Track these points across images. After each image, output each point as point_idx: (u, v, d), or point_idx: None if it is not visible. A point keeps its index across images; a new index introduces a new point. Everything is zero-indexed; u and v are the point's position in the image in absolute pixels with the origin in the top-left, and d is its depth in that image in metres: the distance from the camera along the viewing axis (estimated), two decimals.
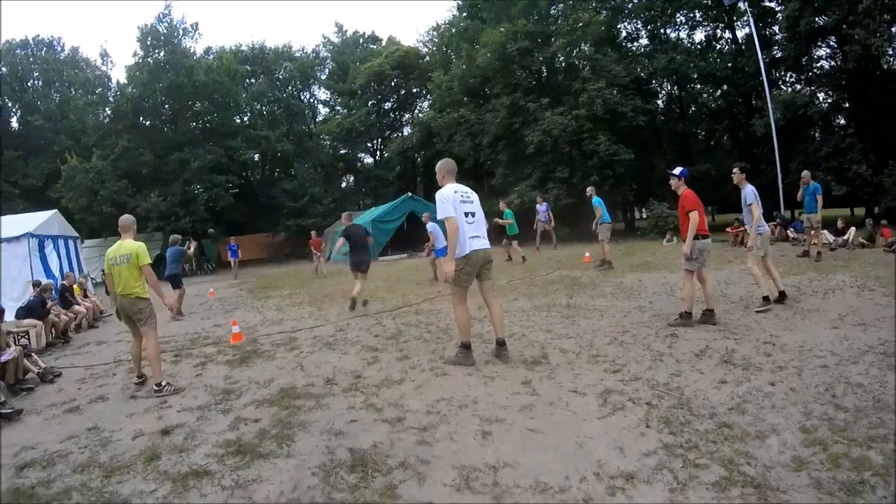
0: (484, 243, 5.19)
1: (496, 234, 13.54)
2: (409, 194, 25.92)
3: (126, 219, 5.81)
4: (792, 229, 14.95)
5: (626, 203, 30.54)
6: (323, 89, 44.56)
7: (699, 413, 3.70)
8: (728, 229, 16.83)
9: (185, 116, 31.74)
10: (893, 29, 17.96)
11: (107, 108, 30.76)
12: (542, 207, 17.09)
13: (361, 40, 44.90)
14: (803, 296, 7.49)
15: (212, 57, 34.27)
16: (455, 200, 5.05)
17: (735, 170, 7.26)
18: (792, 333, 5.59)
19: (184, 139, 30.33)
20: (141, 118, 30.47)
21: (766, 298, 6.85)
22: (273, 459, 3.48)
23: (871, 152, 18.61)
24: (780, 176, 17.78)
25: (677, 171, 6.57)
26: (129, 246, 5.50)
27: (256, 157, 37.32)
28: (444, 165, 5.47)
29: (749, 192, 7.08)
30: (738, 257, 12.40)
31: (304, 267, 23.79)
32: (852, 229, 13.61)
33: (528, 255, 14.80)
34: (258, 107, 38.66)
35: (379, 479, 3.11)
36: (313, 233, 21.07)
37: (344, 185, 44.23)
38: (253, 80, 40.04)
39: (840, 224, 14.04)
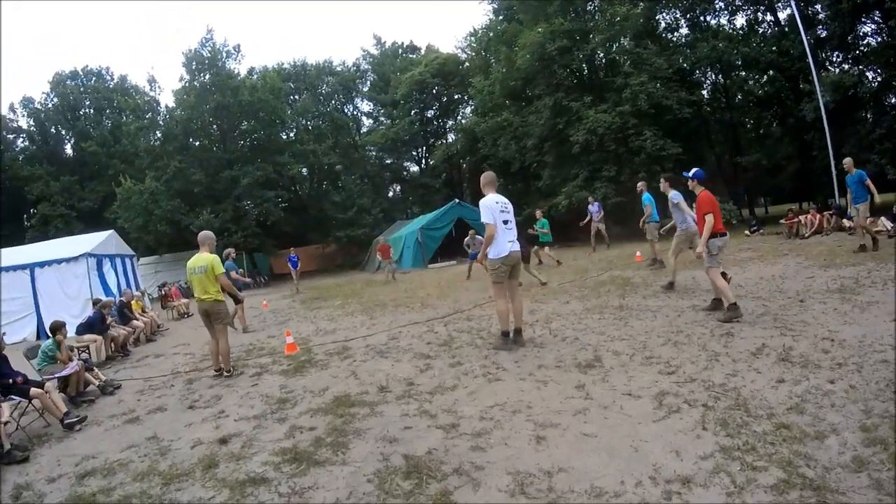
0: (517, 247, 6.15)
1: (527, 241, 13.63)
2: (457, 200, 26.09)
3: (203, 234, 7.01)
4: (847, 218, 14.19)
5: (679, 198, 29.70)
6: (365, 101, 45.47)
7: (756, 414, 3.62)
8: (783, 220, 16.20)
9: (233, 135, 32.81)
10: None
11: (157, 132, 32.14)
12: (594, 207, 16.94)
13: (400, 50, 45.54)
14: (862, 287, 7.17)
15: (255, 77, 35.42)
16: (495, 210, 6.00)
17: (661, 180, 8.81)
18: (851, 328, 5.37)
19: (233, 157, 31.38)
20: (190, 139, 31.69)
21: (671, 284, 8.60)
22: (329, 467, 3.60)
23: None
24: (832, 161, 16.95)
25: (690, 172, 6.87)
26: (205, 258, 6.66)
27: (304, 171, 38.26)
28: (485, 178, 6.39)
29: (672, 195, 8.54)
30: (794, 250, 12.00)
31: (356, 277, 24.26)
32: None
33: (580, 257, 14.64)
34: (303, 122, 39.68)
35: (434, 485, 3.17)
36: (381, 238, 21.39)
37: (391, 194, 44.90)
38: (297, 97, 41.13)
39: None
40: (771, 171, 29.77)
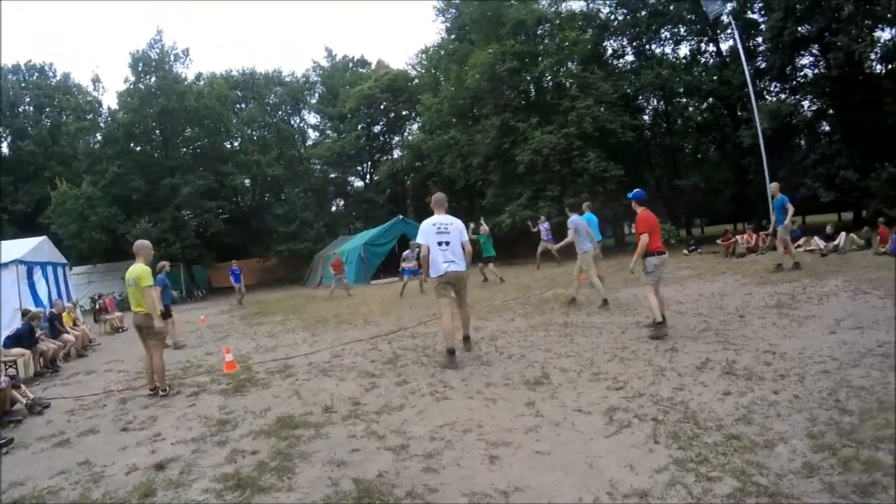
0: (456, 266, 6.29)
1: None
2: (400, 217, 25.93)
3: (138, 244, 6.70)
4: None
5: (617, 219, 30.72)
6: (313, 113, 44.88)
7: (706, 426, 3.67)
8: (719, 240, 16.92)
9: (176, 142, 31.73)
10: (876, 34, 18.28)
11: (98, 134, 30.71)
12: (544, 226, 17.17)
13: (351, 64, 45.33)
14: (798, 303, 7.52)
15: (203, 82, 34.39)
16: (430, 232, 6.28)
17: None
18: (791, 341, 5.60)
19: (175, 164, 30.30)
20: (132, 144, 30.45)
21: (605, 301, 8.92)
22: (274, 493, 3.37)
23: (857, 157, 18.78)
24: (768, 186, 17.92)
25: (631, 193, 7.08)
26: (136, 270, 6.38)
27: (247, 181, 37.32)
28: (433, 199, 6.68)
29: (568, 221, 9.35)
30: (731, 268, 12.50)
31: (297, 292, 23.63)
32: (843, 234, 13.72)
33: (523, 275, 14.75)
34: (249, 132, 38.79)
35: None
36: (335, 253, 20.92)
37: (334, 208, 44.30)
38: (244, 106, 40.24)
39: (829, 229, 14.17)
40: (708, 193, 31.23)
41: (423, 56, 37.41)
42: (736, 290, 9.18)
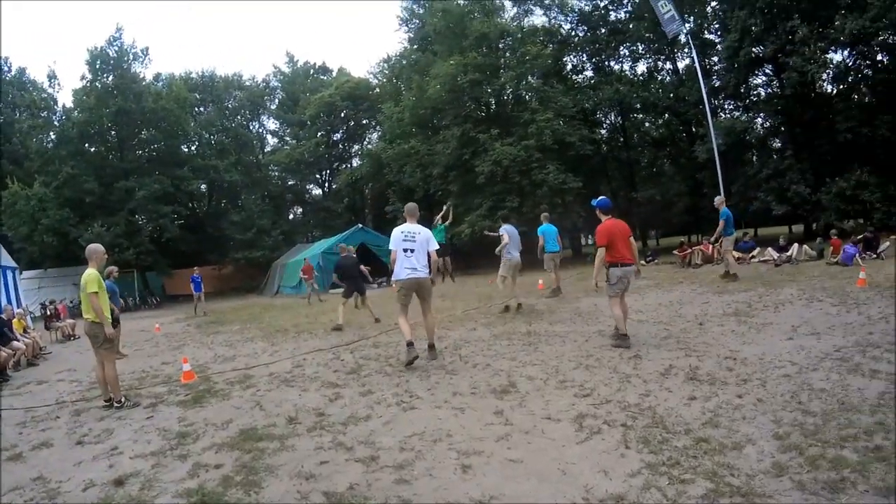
0: (417, 273, 6.59)
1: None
2: (360, 225, 25.74)
3: (90, 248, 6.24)
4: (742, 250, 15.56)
5: (575, 230, 31.26)
6: (272, 119, 44.22)
7: (674, 430, 3.73)
8: (675, 251, 17.39)
9: (132, 144, 30.82)
10: (828, 55, 19.30)
11: (51, 133, 29.59)
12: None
13: (312, 71, 44.95)
14: (755, 311, 7.77)
15: (161, 84, 33.46)
16: (398, 238, 6.62)
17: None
18: (750, 347, 5.78)
19: (130, 167, 29.44)
20: (86, 144, 29.46)
21: (506, 308, 9.58)
22: None
23: (808, 172, 19.73)
24: (718, 196, 18.58)
25: (595, 201, 6.96)
26: (85, 275, 5.97)
27: (204, 187, 36.38)
28: (406, 208, 7.08)
29: (500, 230, 10.31)
30: (688, 278, 12.84)
31: (254, 301, 23.09)
32: (795, 245, 14.32)
33: (482, 284, 14.74)
34: (206, 136, 37.92)
35: None
36: (306, 259, 20.37)
37: (292, 216, 43.64)
38: (202, 109, 39.28)
39: (782, 241, 14.75)
40: (664, 206, 32.19)
41: (385, 65, 37.51)
42: (694, 299, 9.42)
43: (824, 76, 20.10)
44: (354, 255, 11.47)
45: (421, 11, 30.64)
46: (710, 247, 16.03)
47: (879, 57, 19.61)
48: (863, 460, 3.00)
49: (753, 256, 15.15)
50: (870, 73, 20.13)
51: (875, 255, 12.59)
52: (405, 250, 6.60)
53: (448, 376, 5.86)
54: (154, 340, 12.02)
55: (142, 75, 30.82)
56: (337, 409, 5.07)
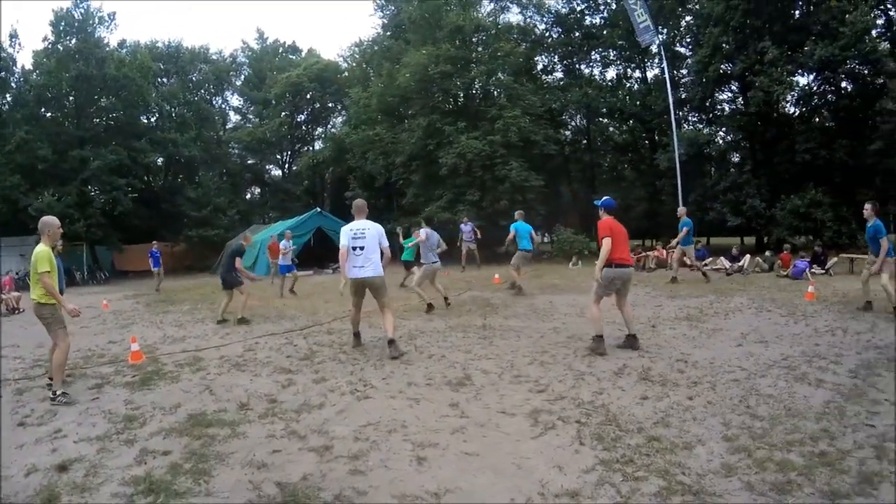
0: (365, 272, 6.52)
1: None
2: (318, 210, 25.21)
3: (42, 221, 5.58)
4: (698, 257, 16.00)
5: (535, 227, 31.64)
6: (237, 95, 42.94)
7: (628, 428, 3.81)
8: (631, 254, 17.79)
9: (90, 111, 29.28)
10: (795, 78, 20.05)
11: (7, 95, 27.88)
12: (466, 227, 17.15)
13: (281, 49, 43.82)
14: (706, 316, 8.04)
15: (126, 51, 32.02)
16: (348, 236, 6.56)
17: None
18: (701, 351, 5.97)
19: (86, 135, 27.96)
20: (42, 109, 27.98)
21: (430, 305, 9.51)
22: (191, 498, 3.10)
23: (764, 187, 20.49)
24: (680, 207, 19.14)
25: (599, 201, 6.54)
26: (36, 251, 5.36)
27: (161, 160, 35.08)
28: (354, 205, 6.93)
29: (421, 233, 10.30)
30: (642, 281, 13.14)
31: (207, 280, 22.43)
32: (747, 256, 14.86)
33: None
34: (168, 108, 36.48)
35: None
36: (275, 236, 19.34)
37: (249, 196, 42.61)
38: (165, 80, 37.78)
39: (735, 251, 15.29)
40: (622, 210, 32.84)
41: (357, 49, 36.96)
42: (647, 302, 9.67)
43: (789, 97, 20.88)
44: (243, 248, 10.46)
45: None
46: (665, 252, 16.48)
47: (844, 84, 20.46)
48: (808, 464, 3.14)
49: (706, 264, 15.63)
50: (833, 98, 20.99)
51: (823, 271, 13.18)
52: (354, 248, 6.53)
53: (403, 366, 5.85)
54: (101, 318, 11.50)
55: (106, 40, 29.29)
56: (290, 395, 4.99)
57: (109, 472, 3.49)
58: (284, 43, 44.27)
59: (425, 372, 5.59)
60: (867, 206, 7.91)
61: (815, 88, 21.18)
